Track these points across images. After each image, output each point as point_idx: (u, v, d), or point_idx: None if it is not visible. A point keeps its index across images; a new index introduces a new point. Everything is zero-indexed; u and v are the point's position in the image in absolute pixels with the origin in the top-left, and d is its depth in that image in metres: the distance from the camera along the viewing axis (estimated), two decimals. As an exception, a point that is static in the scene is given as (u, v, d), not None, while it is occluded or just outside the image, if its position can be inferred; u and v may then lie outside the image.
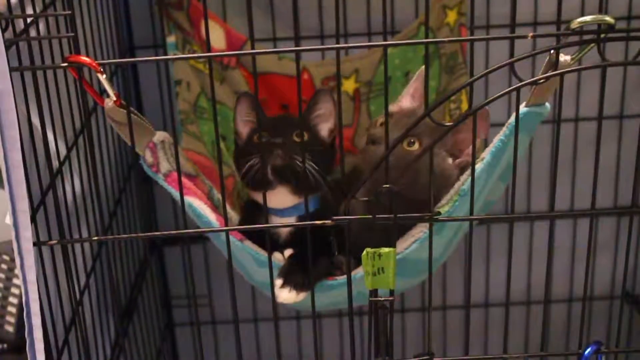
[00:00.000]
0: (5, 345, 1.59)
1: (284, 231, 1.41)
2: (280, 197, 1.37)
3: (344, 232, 1.13)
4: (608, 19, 1.02)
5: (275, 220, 1.40)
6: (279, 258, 1.37)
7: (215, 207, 1.37)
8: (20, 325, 1.57)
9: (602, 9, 1.08)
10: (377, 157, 1.29)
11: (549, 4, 1.87)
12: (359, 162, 1.48)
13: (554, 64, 1.07)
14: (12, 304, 1.60)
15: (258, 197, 1.37)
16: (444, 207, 1.26)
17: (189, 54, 1.72)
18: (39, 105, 1.12)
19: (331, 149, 1.43)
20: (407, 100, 1.48)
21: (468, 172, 1.24)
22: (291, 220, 1.40)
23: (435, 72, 1.78)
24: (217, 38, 1.75)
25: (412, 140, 1.35)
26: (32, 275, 1.04)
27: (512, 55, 1.05)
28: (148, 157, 1.25)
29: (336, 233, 1.37)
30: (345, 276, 1.28)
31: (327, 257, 1.36)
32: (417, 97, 1.46)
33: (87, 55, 1.06)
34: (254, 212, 1.42)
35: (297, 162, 1.31)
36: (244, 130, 1.44)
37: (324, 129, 1.43)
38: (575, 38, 1.04)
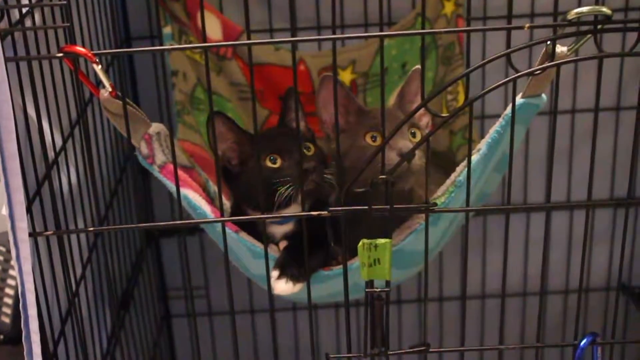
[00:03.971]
0: (1, 337, 1.59)
1: (279, 232, 1.41)
2: (287, 211, 1.37)
3: (339, 222, 1.13)
4: (605, 10, 1.02)
5: (274, 228, 1.41)
6: (274, 249, 1.37)
7: (210, 200, 1.37)
8: (16, 316, 1.57)
9: (599, 0, 1.08)
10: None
11: (546, -5, 1.87)
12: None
13: (551, 55, 1.07)
14: (8, 295, 1.60)
15: (255, 212, 1.37)
16: (440, 198, 1.26)
17: (185, 45, 1.72)
18: (34, 96, 1.11)
19: (312, 138, 1.45)
20: (393, 98, 1.47)
21: (464, 163, 1.24)
22: (289, 225, 1.41)
23: (432, 63, 1.78)
24: (214, 29, 1.75)
25: (414, 132, 1.34)
26: (28, 266, 1.04)
27: (508, 46, 1.05)
28: (143, 148, 1.25)
29: (332, 224, 1.37)
30: (341, 266, 1.28)
31: (322, 247, 1.36)
32: (405, 98, 1.42)
33: (83, 46, 1.06)
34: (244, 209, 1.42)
35: (327, 177, 1.32)
36: (232, 152, 1.39)
37: (302, 126, 1.41)
38: (572, 29, 1.04)
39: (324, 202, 1.34)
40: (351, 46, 1.81)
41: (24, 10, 1.16)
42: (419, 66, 1.37)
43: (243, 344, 2.14)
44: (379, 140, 1.32)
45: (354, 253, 1.15)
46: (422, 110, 1.24)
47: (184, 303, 2.17)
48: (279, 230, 1.40)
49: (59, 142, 1.34)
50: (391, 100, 1.50)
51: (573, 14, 1.01)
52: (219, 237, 1.28)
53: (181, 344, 2.22)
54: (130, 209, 1.80)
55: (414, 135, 1.32)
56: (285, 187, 1.31)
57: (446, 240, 1.48)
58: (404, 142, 1.28)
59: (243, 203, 1.41)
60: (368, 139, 1.33)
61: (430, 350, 1.19)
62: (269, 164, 1.35)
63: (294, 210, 1.35)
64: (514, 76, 1.04)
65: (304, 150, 1.36)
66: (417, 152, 1.27)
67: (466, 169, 1.14)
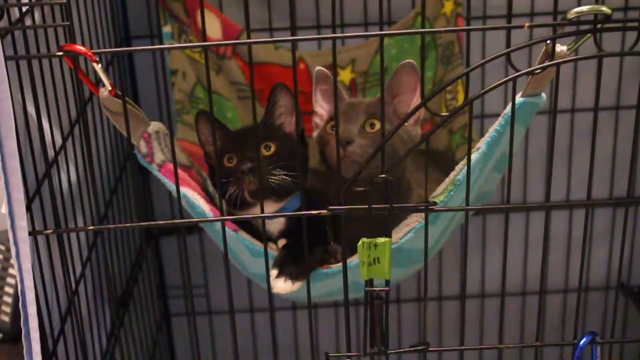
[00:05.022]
0: (0, 335, 1.59)
1: (275, 229, 1.41)
2: (251, 211, 1.37)
3: (337, 221, 1.13)
4: (604, 9, 1.02)
5: (267, 225, 1.40)
6: (273, 248, 1.37)
7: (209, 198, 1.37)
8: (16, 314, 1.57)
9: (599, -1, 1.08)
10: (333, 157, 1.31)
11: (545, -6, 1.87)
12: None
13: (550, 54, 1.07)
14: (8, 294, 1.60)
15: (244, 213, 1.37)
16: (439, 196, 1.27)
17: (184, 44, 1.72)
18: (34, 95, 1.11)
19: (301, 141, 1.43)
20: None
21: (463, 161, 1.24)
22: (280, 221, 1.41)
23: (432, 63, 1.78)
24: (213, 28, 1.75)
25: (372, 122, 1.35)
26: (27, 265, 1.04)
27: (508, 45, 1.05)
28: (142, 147, 1.25)
29: (331, 222, 1.37)
30: (340, 264, 1.28)
31: (321, 245, 1.36)
32: (393, 91, 1.41)
33: (83, 45, 1.06)
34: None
35: (272, 179, 1.32)
36: (210, 149, 1.43)
37: (290, 123, 1.42)
38: (572, 28, 1.04)
39: (319, 200, 1.33)
40: (351, 45, 1.81)
41: (24, 8, 1.16)
42: (408, 60, 1.37)
43: (242, 343, 2.14)
44: (377, 127, 1.35)
45: (353, 251, 1.15)
46: (413, 119, 1.26)
47: (183, 302, 2.17)
48: (272, 227, 1.40)
49: (58, 140, 1.34)
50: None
51: (573, 13, 1.01)
52: (218, 236, 1.28)
53: (180, 343, 2.22)
54: (130, 208, 1.80)
55: (372, 126, 1.35)
56: (230, 188, 1.32)
57: (445, 239, 1.48)
58: (349, 130, 1.32)
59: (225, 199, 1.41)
60: (328, 128, 1.38)
61: (430, 349, 1.19)
62: (226, 163, 1.36)
63: (255, 209, 1.33)
64: (513, 75, 1.04)
65: (263, 150, 1.36)
66: (357, 139, 1.32)
67: (465, 168, 1.14)
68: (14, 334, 1.58)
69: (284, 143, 1.39)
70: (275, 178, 1.32)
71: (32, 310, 1.06)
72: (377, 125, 1.34)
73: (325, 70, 1.42)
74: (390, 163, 1.11)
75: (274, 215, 1.34)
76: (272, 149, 1.37)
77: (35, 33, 1.18)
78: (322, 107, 1.46)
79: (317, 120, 1.46)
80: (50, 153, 1.29)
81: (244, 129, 1.46)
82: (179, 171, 1.22)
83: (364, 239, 1.10)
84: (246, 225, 1.36)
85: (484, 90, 1.04)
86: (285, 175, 1.32)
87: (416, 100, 1.38)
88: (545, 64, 1.06)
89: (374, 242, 1.10)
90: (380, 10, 1.06)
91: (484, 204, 1.56)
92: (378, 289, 1.13)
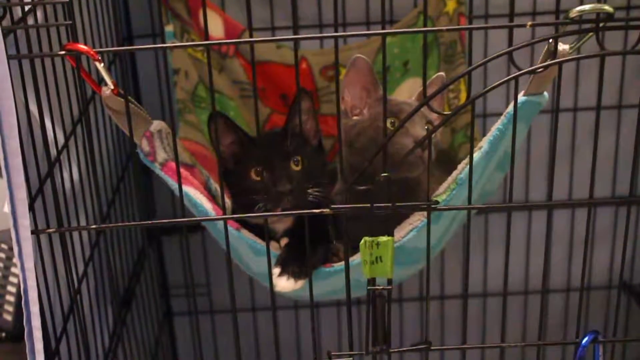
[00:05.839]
0: (3, 334, 1.59)
1: (281, 228, 1.41)
2: (284, 222, 1.39)
3: (341, 219, 1.13)
4: (607, 8, 1.02)
5: (274, 224, 1.41)
6: (275, 246, 1.37)
7: (212, 197, 1.37)
8: (18, 313, 1.57)
9: (601, -2, 1.08)
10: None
11: (548, -7, 1.87)
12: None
13: (553, 53, 1.07)
14: (11, 293, 1.60)
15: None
16: (441, 195, 1.27)
17: (187, 43, 1.72)
18: (37, 94, 1.11)
19: (320, 150, 1.44)
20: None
21: (466, 160, 1.24)
22: (287, 220, 1.41)
23: (434, 62, 1.78)
24: (216, 27, 1.75)
25: (393, 121, 1.38)
26: (30, 264, 1.04)
27: (510, 44, 1.05)
28: (145, 146, 1.25)
29: (334, 220, 1.37)
30: (342, 263, 1.28)
31: (324, 244, 1.36)
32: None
33: (85, 44, 1.06)
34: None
35: (309, 201, 1.32)
36: (229, 153, 1.40)
37: (312, 128, 1.42)
38: (574, 27, 1.04)
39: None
40: (353, 44, 1.81)
41: (27, 7, 1.16)
42: (441, 73, 1.44)
43: (245, 342, 2.14)
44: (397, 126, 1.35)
45: (355, 249, 1.15)
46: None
47: (185, 301, 2.17)
48: (280, 226, 1.40)
49: (61, 139, 1.34)
50: (397, 94, 1.51)
51: (575, 12, 1.01)
52: (220, 235, 1.28)
53: (183, 342, 2.23)
54: (132, 207, 1.81)
55: (428, 130, 1.36)
56: (261, 205, 1.32)
57: (448, 238, 1.48)
58: (421, 131, 1.33)
59: (235, 203, 1.41)
60: (387, 124, 1.35)
61: (432, 348, 1.19)
62: (253, 176, 1.36)
63: (284, 220, 1.36)
64: (516, 74, 1.04)
65: (292, 165, 1.36)
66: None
67: (468, 167, 1.14)
68: (16, 333, 1.58)
69: (311, 155, 1.39)
70: (311, 197, 1.32)
71: (34, 309, 1.07)
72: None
73: (368, 60, 1.41)
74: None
75: (276, 215, 1.34)
76: (301, 164, 1.37)
77: (38, 32, 1.18)
78: (350, 94, 1.43)
79: (343, 107, 1.44)
80: (53, 152, 1.29)
81: (267, 137, 1.44)
82: (181, 170, 1.22)
83: (367, 238, 1.10)
84: (250, 223, 1.36)
85: (486, 89, 1.04)
86: (318, 191, 1.33)
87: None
88: (547, 63, 1.06)
89: (376, 240, 1.10)
90: (382, 9, 1.06)
91: (486, 203, 1.56)
92: (380, 287, 1.14)
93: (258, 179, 1.35)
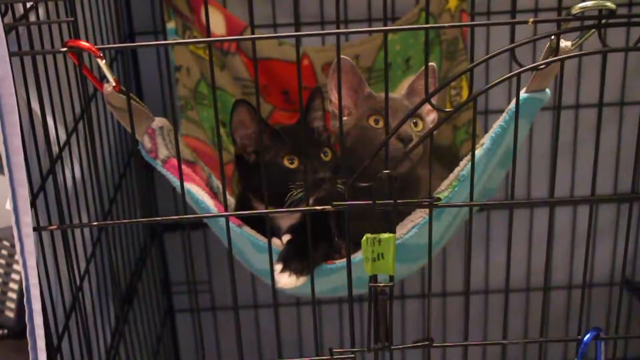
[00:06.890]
0: (5, 331, 1.59)
1: (285, 224, 1.41)
2: (290, 218, 1.39)
3: (343, 216, 1.13)
4: (609, 4, 1.01)
5: (281, 220, 1.41)
6: (277, 243, 1.37)
7: (214, 194, 1.37)
8: (20, 310, 1.57)
9: (603, -6, 1.08)
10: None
11: (550, -11, 1.86)
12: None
13: (555, 49, 1.07)
14: (13, 290, 1.60)
15: (261, 205, 1.37)
16: (443, 192, 1.27)
17: (189, 40, 1.72)
18: (38, 91, 1.11)
19: (329, 142, 1.45)
20: (404, 89, 1.48)
21: (468, 157, 1.24)
22: (294, 216, 1.41)
23: (436, 59, 1.78)
24: (217, 24, 1.75)
25: (377, 118, 1.38)
26: (32, 261, 1.05)
27: (512, 41, 1.05)
28: (146, 143, 1.25)
29: (335, 218, 1.37)
30: (344, 260, 1.28)
31: (326, 241, 1.36)
32: (415, 91, 1.44)
33: (87, 41, 1.06)
34: (250, 200, 1.42)
35: (339, 190, 1.32)
36: (249, 141, 1.40)
37: (320, 126, 1.43)
38: (576, 24, 1.04)
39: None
40: (355, 41, 1.81)
41: (28, 4, 1.16)
42: (432, 63, 1.41)
43: (246, 339, 2.14)
44: (380, 124, 1.37)
45: (357, 246, 1.15)
46: (429, 107, 1.26)
47: (187, 298, 2.17)
48: (285, 222, 1.40)
49: (63, 136, 1.34)
50: (399, 90, 1.51)
51: (577, 8, 1.01)
52: (222, 232, 1.28)
53: (185, 339, 2.23)
54: (134, 204, 1.81)
55: (415, 124, 1.37)
56: (298, 191, 1.32)
57: (450, 235, 1.48)
58: (404, 128, 1.31)
59: (252, 194, 1.41)
60: (371, 121, 1.38)
61: (434, 345, 1.19)
62: (286, 163, 1.36)
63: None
64: (518, 71, 1.04)
65: (322, 155, 1.37)
66: (415, 138, 1.32)
67: (470, 164, 1.14)
68: (18, 330, 1.58)
69: (332, 148, 1.41)
70: (340, 186, 1.32)
71: (36, 306, 1.07)
72: (420, 125, 1.38)
73: (351, 60, 1.41)
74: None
75: (277, 211, 1.34)
76: (329, 155, 1.38)
77: (40, 29, 1.18)
78: (347, 98, 1.42)
79: (332, 108, 1.44)
80: (55, 149, 1.29)
81: (292, 128, 1.45)
82: (183, 167, 1.22)
83: (368, 235, 1.10)
84: (253, 218, 1.35)
85: (489, 85, 1.04)
86: (343, 183, 1.33)
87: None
88: (549, 60, 1.06)
89: (378, 237, 1.10)
90: (384, 6, 1.06)
91: (488, 200, 1.56)
92: (382, 284, 1.14)
93: (292, 166, 1.36)
